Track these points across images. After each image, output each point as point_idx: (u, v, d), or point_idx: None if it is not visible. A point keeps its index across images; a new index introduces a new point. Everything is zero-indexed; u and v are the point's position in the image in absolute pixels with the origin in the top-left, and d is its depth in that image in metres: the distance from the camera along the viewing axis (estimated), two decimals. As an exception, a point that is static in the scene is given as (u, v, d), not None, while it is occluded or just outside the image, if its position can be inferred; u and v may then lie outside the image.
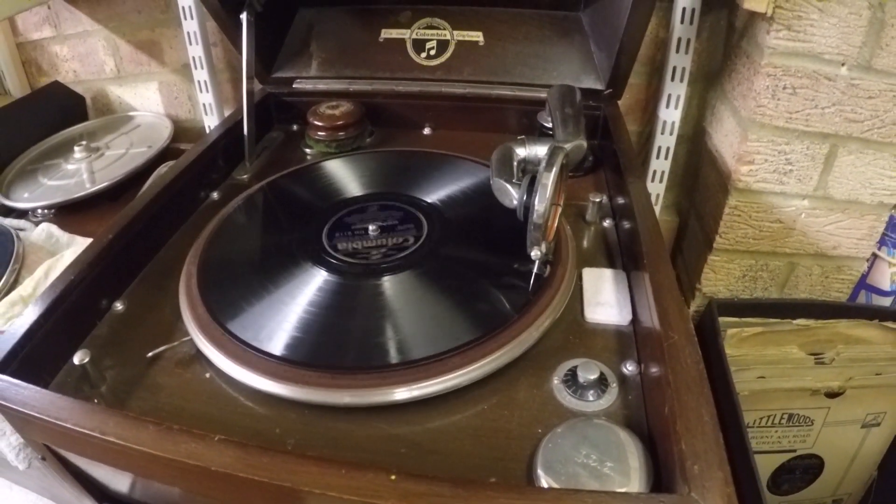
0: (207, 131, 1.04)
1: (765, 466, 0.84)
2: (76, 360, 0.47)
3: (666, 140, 0.89)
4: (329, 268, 0.55)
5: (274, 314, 0.51)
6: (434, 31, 0.83)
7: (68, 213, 0.87)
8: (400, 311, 0.51)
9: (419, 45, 0.84)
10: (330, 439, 0.43)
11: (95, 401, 0.46)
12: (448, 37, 0.83)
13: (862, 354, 0.80)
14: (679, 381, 0.40)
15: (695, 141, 0.96)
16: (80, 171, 0.93)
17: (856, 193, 0.79)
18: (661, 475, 0.39)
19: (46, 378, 0.48)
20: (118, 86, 1.09)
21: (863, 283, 0.89)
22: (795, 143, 0.76)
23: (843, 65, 0.70)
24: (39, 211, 0.88)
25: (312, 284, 0.54)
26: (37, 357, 0.47)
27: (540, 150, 0.56)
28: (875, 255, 0.87)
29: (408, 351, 0.46)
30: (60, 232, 0.82)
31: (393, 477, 0.33)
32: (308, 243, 0.59)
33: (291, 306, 0.52)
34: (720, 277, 0.89)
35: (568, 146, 0.55)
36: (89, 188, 0.88)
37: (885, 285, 0.88)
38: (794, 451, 0.83)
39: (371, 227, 0.59)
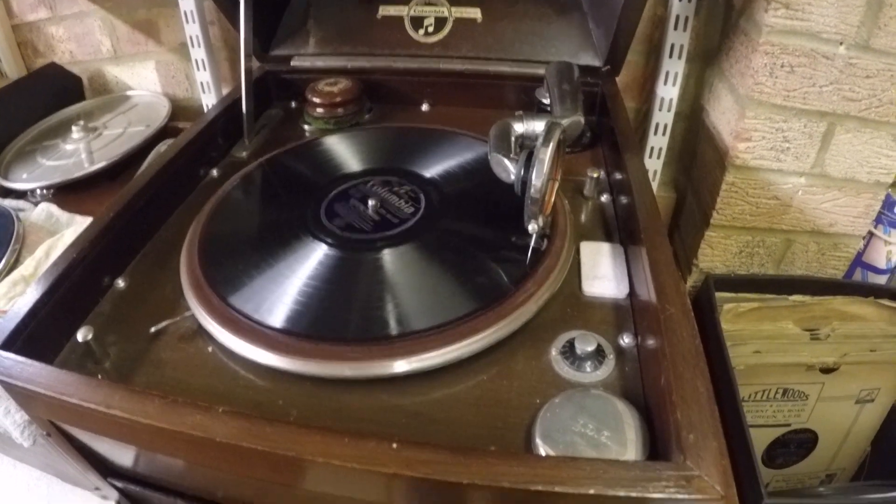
0: (205, 109, 1.04)
1: (759, 440, 0.85)
2: (80, 336, 0.48)
3: (664, 117, 0.89)
4: (329, 241, 0.56)
5: (274, 288, 0.51)
6: (432, 8, 0.83)
7: (67, 193, 0.88)
8: (400, 284, 0.51)
9: (417, 21, 0.84)
10: (332, 410, 0.43)
11: (99, 376, 0.47)
12: (446, 14, 0.82)
13: (857, 331, 0.81)
14: (675, 352, 0.40)
15: (692, 118, 0.96)
16: (78, 151, 0.93)
17: (853, 171, 0.79)
18: (657, 445, 0.39)
19: (50, 356, 0.48)
20: (115, 66, 1.09)
21: (858, 261, 0.90)
22: (793, 121, 0.76)
23: (841, 44, 0.70)
24: (38, 191, 0.88)
25: (312, 258, 0.54)
26: (40, 335, 0.47)
27: (538, 126, 0.57)
28: (871, 233, 0.87)
29: (408, 323, 0.47)
30: (60, 211, 0.82)
31: (395, 445, 0.34)
32: (307, 218, 0.59)
33: (292, 280, 0.52)
34: (717, 253, 0.90)
35: (565, 122, 0.55)
36: (88, 168, 0.88)
37: (881, 263, 0.88)
38: (789, 425, 0.84)
39: (370, 202, 0.60)
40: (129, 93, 1.09)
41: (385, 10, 0.84)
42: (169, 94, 1.09)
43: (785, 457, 0.87)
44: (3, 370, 0.42)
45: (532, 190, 0.48)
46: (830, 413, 0.83)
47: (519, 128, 0.57)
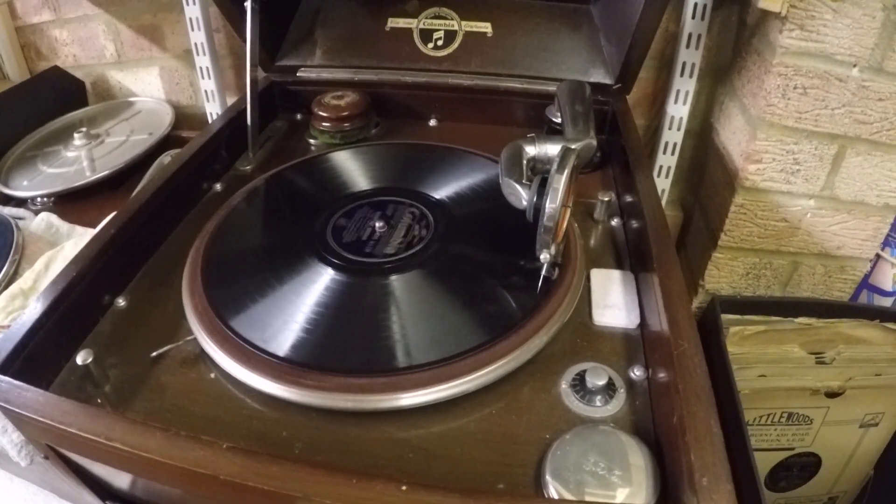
0: (209, 118, 1.03)
1: (763, 463, 0.85)
2: (79, 360, 0.46)
3: (673, 136, 0.88)
4: (335, 266, 0.54)
5: (279, 313, 0.50)
6: (442, 21, 0.82)
7: (68, 202, 0.87)
8: (408, 313, 0.50)
9: (426, 35, 0.83)
10: (337, 443, 0.43)
11: (99, 401, 0.46)
12: (456, 27, 0.82)
13: (862, 355, 0.80)
14: (688, 390, 0.39)
15: (702, 136, 0.95)
16: (80, 159, 0.92)
17: (862, 195, 0.78)
18: (667, 482, 0.39)
19: (49, 377, 0.47)
20: (119, 71, 1.08)
21: (865, 284, 0.89)
22: (804, 143, 0.75)
23: (854, 66, 0.69)
24: (39, 199, 0.87)
25: (319, 283, 0.53)
26: (39, 356, 0.46)
27: (550, 149, 0.56)
28: (878, 256, 0.87)
29: (416, 354, 0.46)
30: (60, 222, 0.81)
31: (404, 487, 0.33)
32: (313, 240, 0.58)
33: (297, 305, 0.51)
34: (723, 274, 0.89)
35: (578, 146, 0.54)
36: (89, 176, 0.87)
37: (888, 286, 0.88)
38: (793, 448, 0.84)
39: (378, 224, 0.59)
40: (132, 99, 1.08)
41: (394, 23, 0.83)
42: (173, 100, 1.08)
43: (788, 480, 0.87)
44: (1, 394, 0.41)
45: (545, 218, 0.47)
46: (834, 437, 0.82)
47: (531, 150, 0.56)
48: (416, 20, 0.82)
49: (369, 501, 0.33)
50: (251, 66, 0.74)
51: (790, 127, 0.74)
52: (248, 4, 0.72)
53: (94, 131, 0.97)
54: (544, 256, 0.49)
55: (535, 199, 0.50)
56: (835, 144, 0.75)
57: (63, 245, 0.75)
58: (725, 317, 0.81)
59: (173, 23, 1.00)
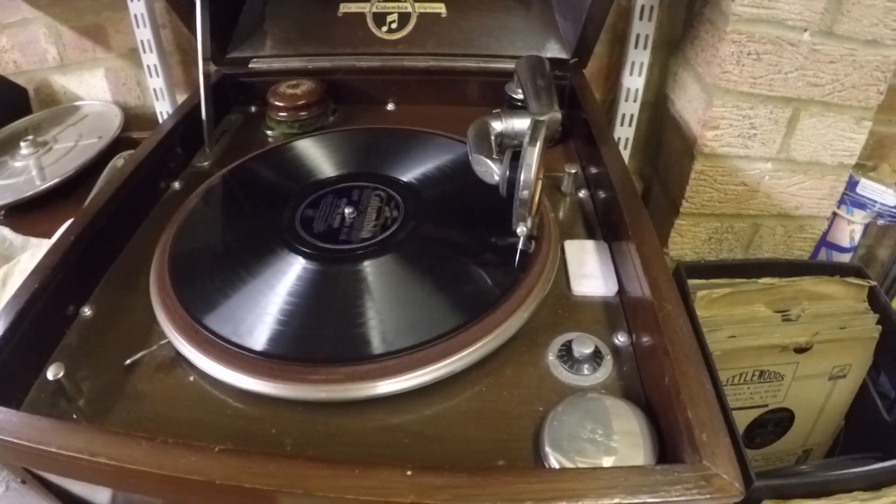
0: (160, 117, 1.00)
1: (739, 422, 0.87)
2: (50, 374, 0.44)
3: (630, 107, 0.90)
4: (307, 255, 0.53)
5: (253, 307, 0.49)
6: (395, 4, 0.81)
7: (19, 214, 0.83)
8: (387, 297, 0.50)
9: (380, 18, 0.81)
10: (328, 435, 0.42)
11: (74, 416, 0.44)
12: (409, 9, 0.81)
13: (826, 310, 0.82)
14: (677, 350, 0.40)
15: (656, 107, 0.96)
16: (28, 168, 0.88)
17: (817, 155, 0.80)
18: (664, 443, 0.39)
19: (19, 397, 0.45)
20: (62, 75, 1.03)
21: (823, 241, 0.92)
22: (759, 108, 0.77)
23: (805, 30, 0.71)
24: (-12, 212, 0.83)
25: (291, 273, 0.52)
26: (6, 375, 0.44)
27: (517, 123, 0.56)
28: (835, 214, 0.89)
29: (399, 338, 0.45)
30: (14, 234, 0.78)
31: (409, 472, 0.33)
32: (282, 230, 0.56)
33: (270, 297, 0.50)
34: (686, 241, 0.91)
35: (546, 118, 0.54)
36: (40, 185, 0.84)
37: (845, 242, 0.91)
38: (766, 405, 0.86)
39: (347, 210, 0.58)
40: (78, 103, 1.03)
41: (346, 7, 0.81)
42: (120, 102, 1.04)
43: (763, 436, 0.89)
44: None
45: (521, 191, 0.47)
46: (805, 391, 0.85)
47: (497, 126, 0.56)
48: (368, 4, 0.81)
49: (375, 490, 0.32)
50: (203, 59, 0.72)
51: (745, 92, 0.76)
52: (195, -5, 0.69)
53: (41, 139, 0.93)
54: (521, 229, 0.49)
55: (507, 174, 0.50)
56: (789, 108, 0.77)
57: (19, 258, 0.72)
58: (692, 282, 0.83)
59: (117, 21, 0.96)
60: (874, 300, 0.83)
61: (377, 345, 0.45)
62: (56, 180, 0.84)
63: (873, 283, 0.82)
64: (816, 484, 0.65)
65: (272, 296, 0.50)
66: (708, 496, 0.33)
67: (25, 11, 0.97)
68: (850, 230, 0.92)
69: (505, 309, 0.47)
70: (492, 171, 0.51)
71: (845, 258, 0.93)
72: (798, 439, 0.90)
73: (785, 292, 0.84)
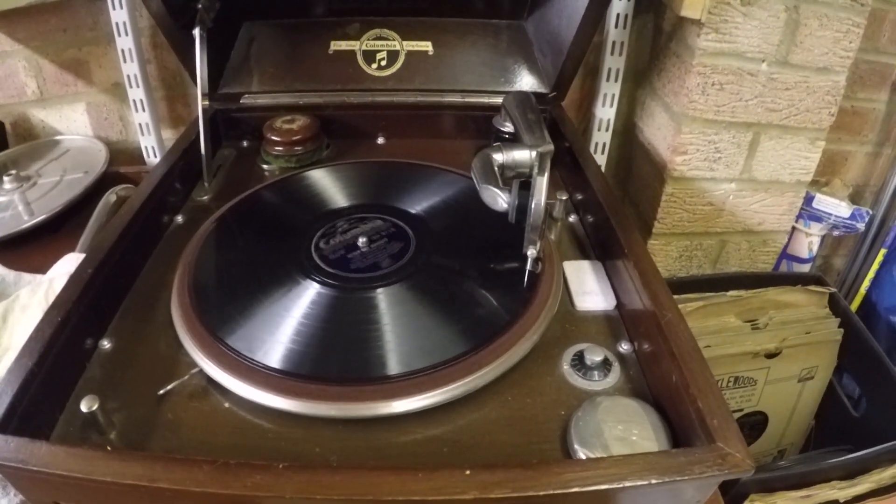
0: (144, 152, 1.01)
1: (716, 427, 0.92)
2: (84, 407, 0.44)
3: (602, 136, 0.95)
4: (333, 282, 0.56)
5: (281, 331, 0.51)
6: (384, 42, 0.85)
7: (6, 249, 0.82)
8: (417, 320, 0.53)
9: (369, 56, 0.85)
10: (371, 450, 0.44)
11: (108, 448, 0.43)
12: (398, 47, 0.85)
13: (792, 317, 0.89)
14: (682, 352, 0.44)
15: (625, 135, 1.03)
16: (13, 203, 0.88)
17: (776, 174, 0.88)
18: (676, 433, 0.43)
19: (46, 431, 0.45)
20: (41, 109, 1.03)
21: (784, 254, 0.99)
22: (723, 133, 0.84)
23: (763, 61, 0.78)
24: (-27, 249, 0.82)
25: (310, 300, 0.54)
26: (36, 409, 0.44)
27: (517, 155, 0.59)
28: (794, 228, 0.97)
29: (432, 356, 0.48)
30: (6, 270, 0.77)
31: (468, 472, 0.36)
32: (303, 258, 0.59)
33: (296, 322, 0.52)
34: (659, 259, 0.96)
35: (545, 150, 0.58)
36: (28, 220, 0.84)
37: (804, 253, 0.98)
38: (742, 409, 0.92)
39: (361, 241, 0.61)
40: (58, 137, 1.03)
41: (337, 45, 0.85)
42: (101, 136, 1.04)
43: (739, 439, 0.94)
44: (9, 456, 0.38)
45: (533, 217, 0.51)
46: (777, 394, 0.91)
47: (499, 158, 0.60)
48: (358, 42, 0.85)
49: (438, 491, 0.35)
50: (202, 94, 0.74)
51: (710, 119, 0.82)
52: (196, 32, 0.72)
53: (24, 173, 0.93)
54: (531, 252, 0.53)
55: (516, 202, 0.54)
56: (750, 132, 0.84)
57: (17, 294, 0.72)
58: (667, 297, 0.88)
59: (100, 55, 0.97)
60: (835, 306, 0.90)
61: (408, 363, 0.48)
62: (45, 215, 0.84)
63: (833, 289, 0.89)
64: (798, 475, 0.71)
65: (300, 321, 0.52)
66: (726, 472, 0.37)
67: (4, 44, 0.97)
68: (809, 242, 0.99)
69: (523, 325, 0.51)
70: (500, 199, 0.55)
71: (805, 268, 1.01)
72: (773, 440, 0.96)
73: (752, 303, 0.90)
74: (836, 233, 1.01)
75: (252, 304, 0.55)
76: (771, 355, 0.87)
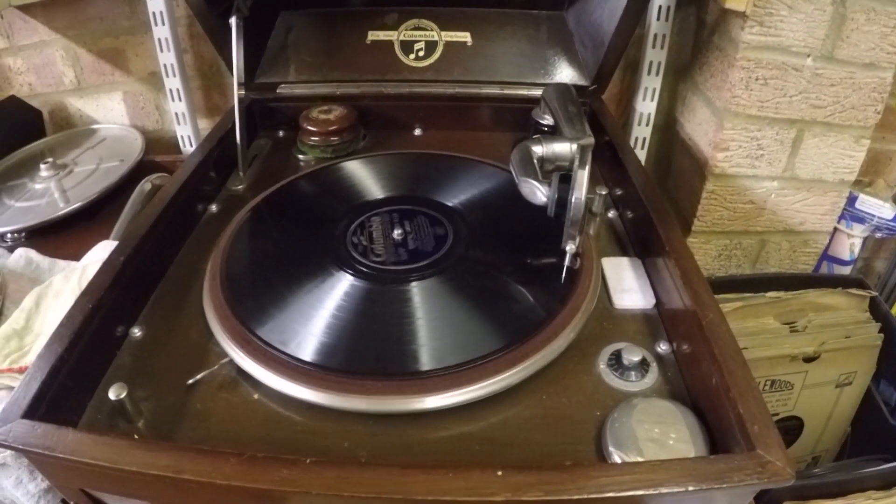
0: (180, 141, 1.01)
1: (750, 432, 0.90)
2: (112, 395, 0.44)
3: (642, 131, 0.94)
4: (367, 274, 0.55)
5: (313, 322, 0.51)
6: (422, 33, 0.84)
7: (41, 236, 0.83)
8: (455, 314, 0.52)
9: (407, 46, 0.85)
10: (402, 446, 0.43)
11: (136, 437, 0.44)
12: (436, 38, 0.84)
13: (831, 320, 0.87)
14: (724, 353, 0.43)
15: (666, 130, 1.01)
16: (49, 191, 0.89)
17: (819, 173, 0.85)
18: (714, 438, 0.42)
19: (74, 418, 0.45)
20: (78, 98, 1.05)
21: (825, 255, 0.96)
22: (766, 130, 0.81)
23: (808, 56, 0.76)
24: (9, 235, 0.83)
25: (343, 291, 0.54)
26: (64, 396, 0.44)
27: (557, 148, 0.58)
28: (835, 228, 0.94)
29: (468, 351, 0.47)
30: (40, 257, 0.78)
31: (500, 473, 0.35)
32: (335, 249, 0.59)
33: (327, 313, 0.52)
34: (698, 258, 0.93)
35: (586, 142, 0.57)
36: (64, 208, 0.85)
37: (845, 255, 0.95)
38: (777, 414, 0.89)
39: (396, 232, 0.60)
40: (94, 126, 1.05)
41: (374, 36, 0.84)
42: (137, 125, 1.05)
43: (774, 445, 0.92)
44: (36, 442, 0.38)
45: (573, 211, 0.50)
46: (814, 399, 0.88)
47: (539, 150, 0.59)
48: (396, 32, 0.84)
49: (470, 491, 0.34)
50: (238, 84, 0.74)
51: (753, 115, 0.80)
52: (232, 21, 0.72)
53: (61, 161, 0.94)
54: (570, 247, 0.52)
55: (556, 195, 0.53)
56: (794, 129, 0.81)
57: (51, 280, 0.73)
58: (704, 297, 0.86)
59: (137, 45, 0.98)
60: (875, 310, 0.87)
61: (441, 359, 0.47)
62: (80, 203, 0.85)
63: (874, 293, 0.86)
64: (833, 484, 0.69)
65: (333, 312, 0.52)
66: (766, 480, 0.36)
67: (42, 34, 0.98)
68: (850, 244, 0.96)
69: (559, 322, 0.50)
70: (539, 193, 0.54)
71: (846, 271, 0.98)
72: (808, 446, 0.93)
73: (792, 305, 0.88)
74: (878, 235, 0.97)
75: (284, 294, 0.54)
76: (809, 359, 0.85)
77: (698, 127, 0.88)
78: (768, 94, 0.79)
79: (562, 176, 0.53)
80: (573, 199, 0.50)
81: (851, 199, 0.93)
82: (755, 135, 0.82)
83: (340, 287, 0.55)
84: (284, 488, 0.35)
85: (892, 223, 0.94)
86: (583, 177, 0.49)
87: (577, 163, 0.50)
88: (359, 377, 0.46)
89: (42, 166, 0.92)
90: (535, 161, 0.58)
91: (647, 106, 0.91)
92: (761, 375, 0.85)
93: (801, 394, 0.88)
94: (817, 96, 0.79)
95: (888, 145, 0.99)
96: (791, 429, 0.91)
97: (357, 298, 0.54)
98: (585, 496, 0.34)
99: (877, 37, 0.75)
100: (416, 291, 0.54)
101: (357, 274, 0.56)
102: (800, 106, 0.80)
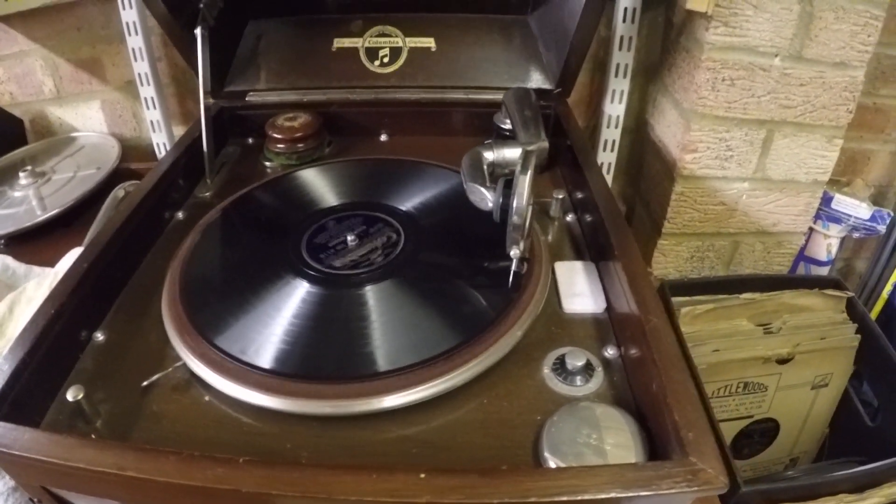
0: (156, 149, 1.02)
1: (726, 433, 0.90)
2: (69, 396, 0.45)
3: (611, 133, 0.94)
4: (315, 280, 0.56)
5: (262, 328, 0.52)
6: (386, 39, 0.84)
7: (19, 243, 0.85)
8: (392, 319, 0.52)
9: (372, 53, 0.85)
10: (342, 448, 0.44)
11: (93, 437, 0.45)
12: (400, 44, 0.84)
13: (806, 321, 0.86)
14: (664, 359, 0.43)
15: (637, 132, 1.01)
16: (28, 198, 0.90)
17: (792, 173, 0.85)
18: (654, 445, 0.42)
19: (36, 418, 0.46)
20: (58, 106, 1.06)
21: (801, 256, 0.96)
22: (735, 131, 0.81)
23: (776, 56, 0.75)
24: (-12, 242, 0.85)
25: (297, 297, 0.55)
26: (26, 398, 0.45)
27: (507, 153, 0.59)
28: (811, 229, 0.94)
29: (405, 356, 0.48)
30: (17, 263, 0.79)
31: (422, 475, 0.35)
32: (289, 255, 0.59)
33: (280, 319, 0.52)
34: (669, 260, 0.94)
35: (534, 148, 0.57)
36: (41, 215, 0.86)
37: (822, 256, 0.95)
38: (752, 416, 0.89)
39: (350, 238, 0.61)
40: (74, 134, 1.06)
41: (340, 43, 0.85)
42: (116, 133, 1.06)
43: (750, 447, 0.92)
44: None
45: (514, 217, 0.50)
46: (789, 401, 0.88)
47: (489, 156, 0.59)
48: (361, 39, 0.85)
49: (393, 493, 0.35)
50: (204, 92, 0.75)
51: (721, 116, 0.80)
52: (198, 31, 0.72)
53: (39, 169, 0.95)
54: (514, 252, 0.52)
55: (500, 201, 0.53)
56: (763, 129, 0.81)
57: (24, 286, 0.74)
58: (675, 299, 0.86)
59: (113, 54, 0.99)
60: (852, 310, 0.87)
61: (384, 362, 0.48)
62: (57, 210, 0.86)
63: (851, 293, 0.86)
64: (803, 488, 0.68)
65: (283, 318, 0.53)
66: (696, 489, 0.35)
67: (22, 44, 0.99)
68: (827, 244, 0.96)
69: (502, 326, 0.50)
70: (486, 198, 0.54)
71: (823, 271, 0.98)
72: (784, 448, 0.93)
73: (766, 306, 0.87)
74: (856, 235, 0.97)
75: (235, 299, 0.55)
76: (783, 361, 0.85)
77: (667, 129, 0.88)
78: (735, 95, 0.78)
79: (507, 181, 0.53)
80: (514, 205, 0.50)
81: (827, 200, 0.92)
82: (723, 136, 0.81)
83: (287, 290, 0.55)
84: (218, 485, 0.36)
85: (868, 223, 0.94)
86: (524, 182, 0.50)
87: (518, 168, 0.50)
88: (300, 380, 0.47)
89: (21, 174, 0.93)
90: (486, 166, 0.59)
91: (615, 108, 0.91)
92: (733, 378, 0.85)
93: (776, 396, 0.87)
94: (786, 96, 0.79)
95: (865, 144, 0.99)
96: (767, 431, 0.91)
97: (297, 302, 0.54)
98: (507, 500, 0.34)
99: (846, 35, 0.75)
100: (358, 298, 0.54)
101: (304, 277, 0.57)
102: (769, 106, 0.79)
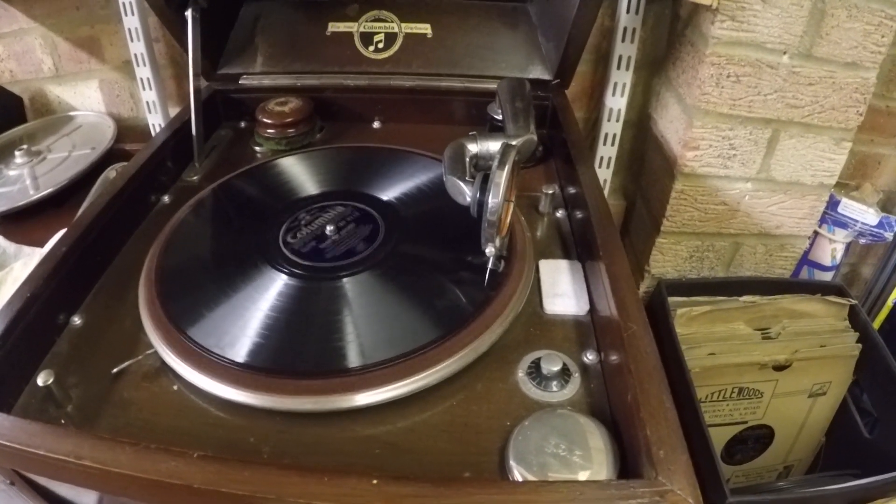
0: (152, 130, 1.01)
1: (718, 438, 0.88)
2: (40, 381, 0.45)
3: (612, 127, 0.91)
4: (289, 273, 0.55)
5: (235, 320, 0.51)
6: (382, 24, 0.83)
7: (12, 222, 0.85)
8: (364, 314, 0.51)
9: (367, 38, 0.83)
10: (304, 445, 0.43)
11: (63, 421, 0.45)
12: (396, 29, 0.82)
13: (806, 328, 0.84)
14: (640, 369, 0.41)
15: (640, 126, 0.98)
16: (22, 177, 0.90)
17: (797, 175, 0.82)
18: (626, 459, 0.40)
19: (10, 401, 0.46)
20: (57, 85, 1.05)
21: (805, 260, 0.93)
22: (739, 129, 0.79)
23: (784, 53, 0.73)
24: (-20, 221, 0.84)
25: (273, 289, 0.53)
26: None
27: (492, 146, 0.57)
28: (816, 233, 0.91)
29: (374, 353, 0.47)
30: (7, 242, 0.79)
31: (374, 481, 0.34)
32: (265, 246, 0.58)
33: (252, 312, 0.51)
34: (668, 259, 0.92)
35: (518, 142, 0.56)
36: (33, 195, 0.85)
37: (826, 261, 0.92)
38: (746, 422, 0.87)
39: (329, 228, 0.59)
40: (72, 113, 1.05)
41: (335, 27, 0.83)
42: (113, 113, 1.05)
43: (743, 453, 0.90)
44: None
45: (488, 213, 0.48)
46: (785, 408, 0.86)
47: (473, 148, 0.57)
48: (356, 24, 0.83)
49: (343, 498, 0.34)
50: (194, 75, 0.74)
51: (725, 114, 0.77)
52: (188, 14, 0.71)
53: (35, 148, 0.95)
54: (489, 250, 0.50)
55: (478, 196, 0.51)
56: (769, 129, 0.78)
57: (11, 266, 0.74)
58: (672, 299, 0.84)
59: (111, 34, 0.98)
60: (854, 319, 0.84)
61: (354, 358, 0.47)
62: (49, 190, 0.86)
63: (854, 301, 0.84)
64: (792, 500, 0.67)
65: (254, 310, 0.52)
66: (661, 510, 0.34)
67: (21, 22, 0.99)
68: (832, 249, 0.93)
69: (477, 326, 0.48)
70: (464, 192, 0.53)
71: (827, 277, 0.95)
72: (779, 456, 0.91)
73: (765, 310, 0.85)
74: (862, 241, 0.94)
75: (210, 291, 0.54)
76: (780, 367, 0.82)
77: (670, 124, 0.86)
78: (741, 92, 0.76)
79: (485, 175, 0.51)
80: (488, 202, 0.48)
81: (834, 203, 0.90)
82: (727, 134, 0.79)
83: (260, 283, 0.54)
84: (169, 480, 0.36)
85: (875, 229, 0.91)
86: (500, 177, 0.48)
87: (496, 162, 0.49)
88: (269, 375, 0.46)
89: (17, 153, 0.93)
90: (469, 158, 0.57)
91: (616, 101, 0.89)
92: (728, 382, 0.83)
93: (772, 402, 0.85)
94: (794, 95, 0.76)
95: (876, 148, 0.96)
96: (761, 437, 0.89)
97: (273, 295, 0.53)
98: (458, 512, 0.33)
99: (859, 34, 0.72)
100: (331, 291, 0.53)
101: (279, 269, 0.55)
102: (775, 105, 0.77)
